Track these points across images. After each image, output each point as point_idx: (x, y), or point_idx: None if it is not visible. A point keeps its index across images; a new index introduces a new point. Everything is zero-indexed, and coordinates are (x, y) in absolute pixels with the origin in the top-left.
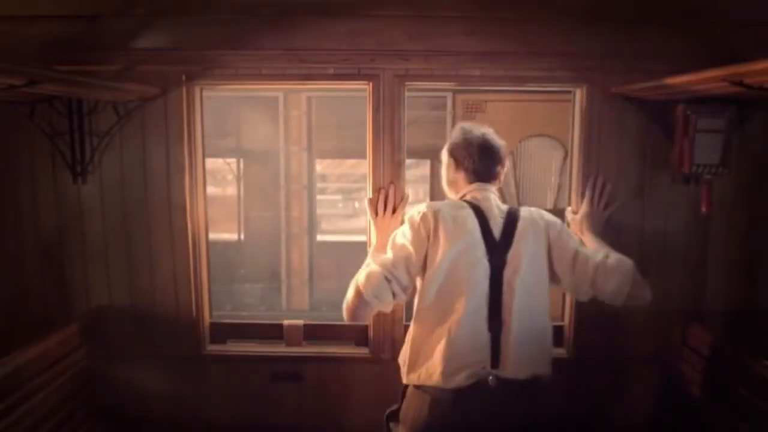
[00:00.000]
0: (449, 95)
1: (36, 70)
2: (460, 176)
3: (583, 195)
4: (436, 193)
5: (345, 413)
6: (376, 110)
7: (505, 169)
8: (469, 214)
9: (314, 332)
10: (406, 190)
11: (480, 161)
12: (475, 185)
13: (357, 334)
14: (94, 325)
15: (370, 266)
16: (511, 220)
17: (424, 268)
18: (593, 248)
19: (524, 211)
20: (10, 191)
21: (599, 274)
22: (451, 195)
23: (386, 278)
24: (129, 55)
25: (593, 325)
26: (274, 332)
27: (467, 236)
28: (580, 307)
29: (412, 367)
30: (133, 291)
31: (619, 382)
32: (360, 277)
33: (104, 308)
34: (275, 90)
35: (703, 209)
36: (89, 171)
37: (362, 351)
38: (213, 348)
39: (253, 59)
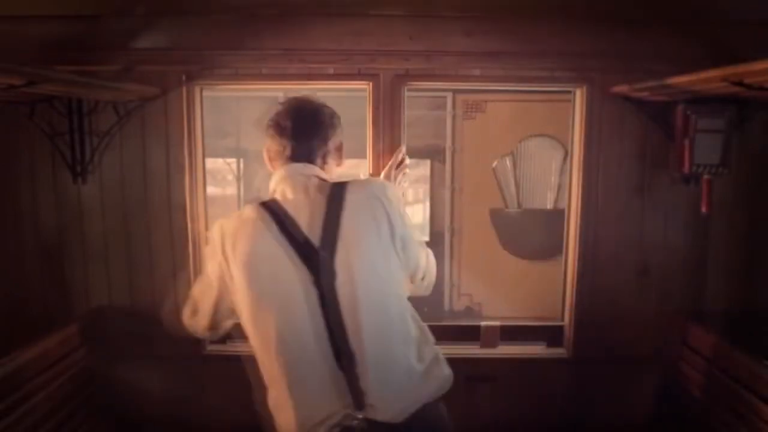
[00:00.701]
0: (449, 95)
1: (36, 70)
2: (274, 164)
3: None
4: (436, 194)
5: None
6: (376, 110)
7: (337, 142)
8: (262, 224)
9: None
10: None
11: (291, 137)
12: (283, 170)
13: None
14: (94, 325)
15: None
16: (334, 212)
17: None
18: None
19: (352, 194)
20: (10, 191)
21: (429, 267)
22: None
23: (189, 322)
24: (129, 55)
25: (593, 325)
26: None
27: (263, 257)
28: (580, 307)
29: (275, 421)
30: (133, 291)
31: (619, 382)
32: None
33: (104, 308)
34: (275, 90)
35: (703, 209)
36: (89, 171)
37: None
38: (213, 348)
39: (253, 59)
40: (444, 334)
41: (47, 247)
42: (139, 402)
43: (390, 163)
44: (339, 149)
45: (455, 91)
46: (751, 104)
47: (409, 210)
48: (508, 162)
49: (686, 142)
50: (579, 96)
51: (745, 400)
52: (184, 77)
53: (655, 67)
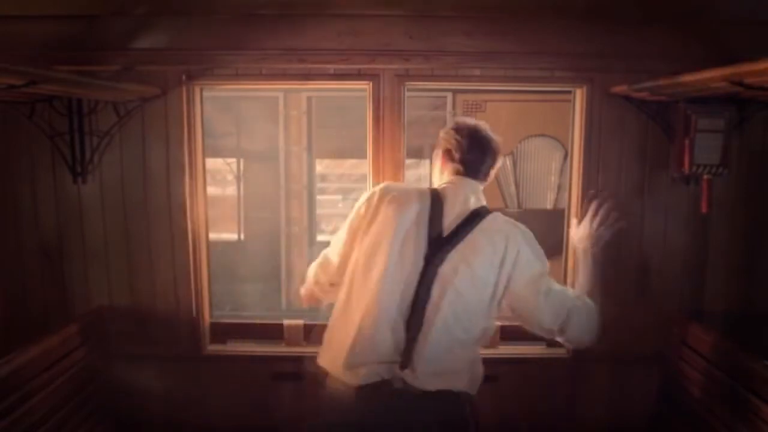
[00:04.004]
0: (449, 95)
1: (36, 70)
2: (447, 168)
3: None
4: None
5: None
6: (376, 110)
7: (497, 167)
8: (422, 201)
9: (314, 332)
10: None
11: (468, 153)
12: (456, 177)
13: None
14: (94, 325)
15: (314, 264)
16: (470, 220)
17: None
18: (578, 283)
19: (493, 218)
20: (10, 191)
21: (570, 320)
22: None
23: (320, 264)
24: (129, 55)
25: None
26: (274, 332)
27: (407, 223)
28: None
29: (325, 348)
30: (133, 291)
31: (619, 382)
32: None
33: (104, 308)
34: (275, 90)
35: (703, 209)
36: (89, 171)
37: None
38: (213, 348)
39: (253, 59)
40: None
41: (47, 246)
42: (139, 402)
43: None
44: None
45: (455, 91)
46: (751, 104)
47: None
48: (508, 162)
49: (686, 142)
50: (579, 96)
51: (745, 400)
52: (184, 77)
53: (655, 67)
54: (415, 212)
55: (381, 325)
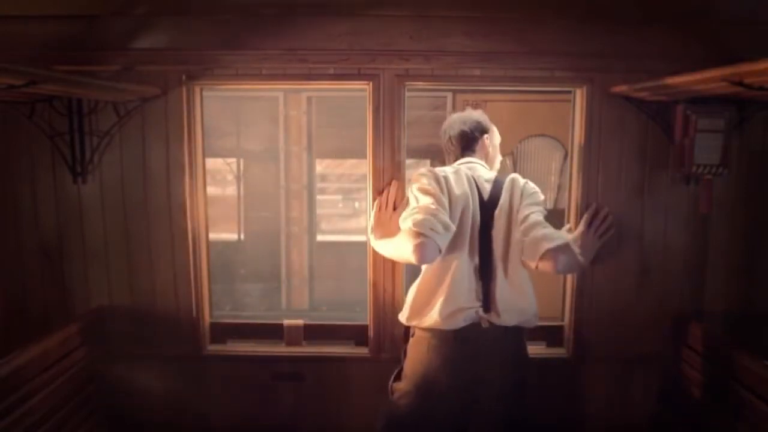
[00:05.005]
0: (449, 95)
1: (36, 70)
2: (452, 154)
3: (580, 217)
4: None
5: (345, 413)
6: (376, 110)
7: (485, 138)
8: (467, 179)
9: (314, 332)
10: (406, 193)
11: (460, 141)
12: (464, 159)
13: (357, 334)
14: (94, 325)
15: (412, 216)
16: (497, 186)
17: None
18: None
19: (509, 177)
20: (10, 191)
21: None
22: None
23: (432, 215)
24: (129, 55)
25: (593, 325)
26: (274, 332)
27: (465, 196)
28: (580, 307)
29: (418, 311)
30: (133, 291)
31: (618, 382)
32: (408, 224)
33: (104, 308)
34: (275, 90)
35: (702, 209)
36: (89, 171)
37: (362, 351)
38: (213, 348)
39: (253, 59)
40: None
41: (47, 246)
42: (139, 402)
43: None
44: (490, 146)
45: (455, 91)
46: (751, 104)
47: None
48: (508, 162)
49: (686, 142)
50: (579, 96)
51: (745, 400)
52: (184, 77)
53: (655, 67)
54: (467, 188)
55: (465, 279)
